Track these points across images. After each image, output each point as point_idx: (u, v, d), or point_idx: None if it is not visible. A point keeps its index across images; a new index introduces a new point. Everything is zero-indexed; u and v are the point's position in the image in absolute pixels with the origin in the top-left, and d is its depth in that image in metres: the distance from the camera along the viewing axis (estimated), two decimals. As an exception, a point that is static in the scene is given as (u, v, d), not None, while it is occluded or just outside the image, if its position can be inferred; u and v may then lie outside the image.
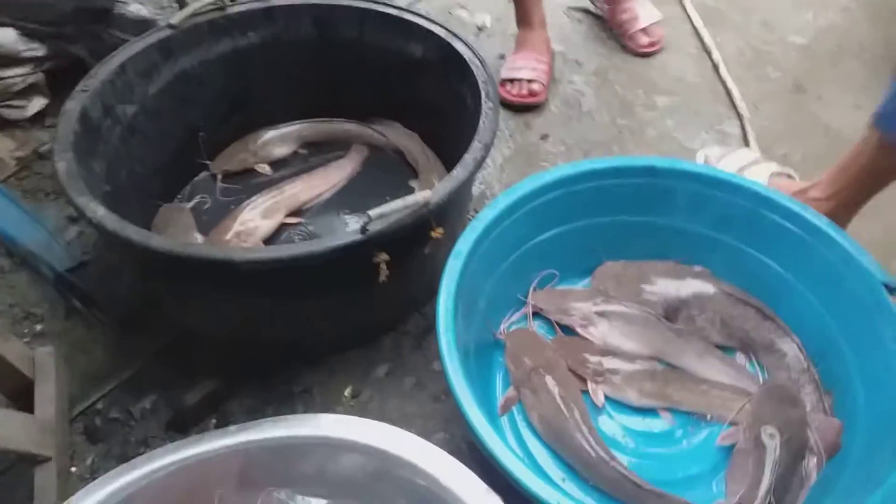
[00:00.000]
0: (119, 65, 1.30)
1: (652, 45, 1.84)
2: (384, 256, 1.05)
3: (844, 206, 1.29)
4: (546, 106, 1.73)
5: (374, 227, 1.00)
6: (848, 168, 1.26)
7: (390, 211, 1.01)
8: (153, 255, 0.99)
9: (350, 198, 1.50)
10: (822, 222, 1.14)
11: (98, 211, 1.04)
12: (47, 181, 1.54)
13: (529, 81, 1.72)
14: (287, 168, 1.57)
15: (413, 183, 1.52)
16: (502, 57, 1.83)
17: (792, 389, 1.13)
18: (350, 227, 1.41)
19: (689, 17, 1.96)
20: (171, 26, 1.36)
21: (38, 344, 1.22)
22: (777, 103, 1.73)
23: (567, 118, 1.71)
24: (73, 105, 1.21)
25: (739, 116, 1.68)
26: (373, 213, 1.00)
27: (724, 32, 1.91)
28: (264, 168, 1.55)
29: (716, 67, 1.81)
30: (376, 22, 1.43)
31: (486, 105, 1.22)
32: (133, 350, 1.25)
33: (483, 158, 1.15)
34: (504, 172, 1.59)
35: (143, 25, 1.81)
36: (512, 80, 1.73)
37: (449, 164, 1.48)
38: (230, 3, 1.41)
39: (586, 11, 1.98)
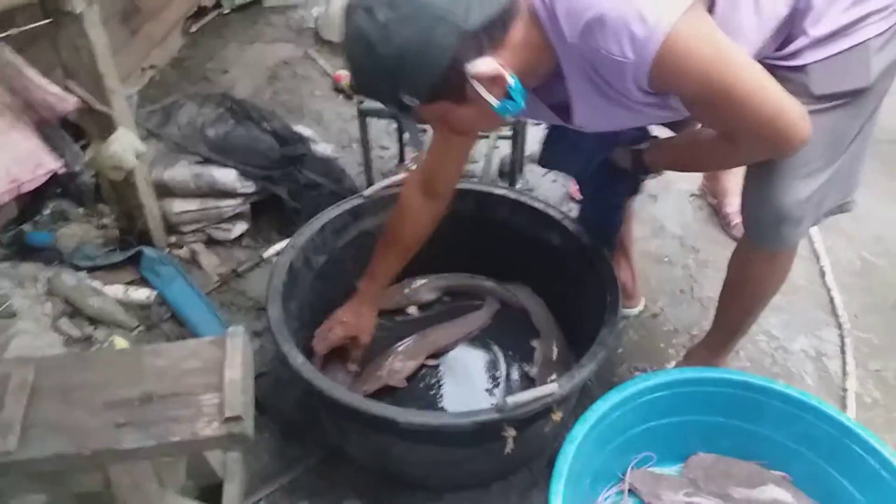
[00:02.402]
0: (321, 226, 1.64)
1: None
2: (512, 432, 1.29)
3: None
4: (662, 286, 1.96)
5: (509, 411, 1.25)
6: None
7: (524, 400, 1.25)
8: (336, 403, 1.28)
9: (480, 347, 1.76)
10: (899, 462, 1.30)
11: (298, 359, 1.34)
12: (240, 297, 1.89)
13: None
14: (431, 310, 1.87)
15: (534, 342, 1.76)
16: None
17: None
18: (484, 401, 1.62)
19: (803, 215, 2.14)
20: (362, 196, 1.69)
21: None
22: (877, 317, 1.87)
23: (679, 301, 1.93)
24: (283, 259, 1.55)
25: (839, 325, 1.84)
26: (510, 399, 1.25)
27: (836, 239, 2.08)
28: (413, 310, 1.84)
29: (822, 273, 1.98)
30: (525, 210, 1.72)
31: (610, 309, 1.46)
32: (292, 459, 1.54)
33: (604, 358, 1.38)
34: (618, 346, 1.81)
35: (326, 164, 2.20)
36: None
37: (566, 329, 1.73)
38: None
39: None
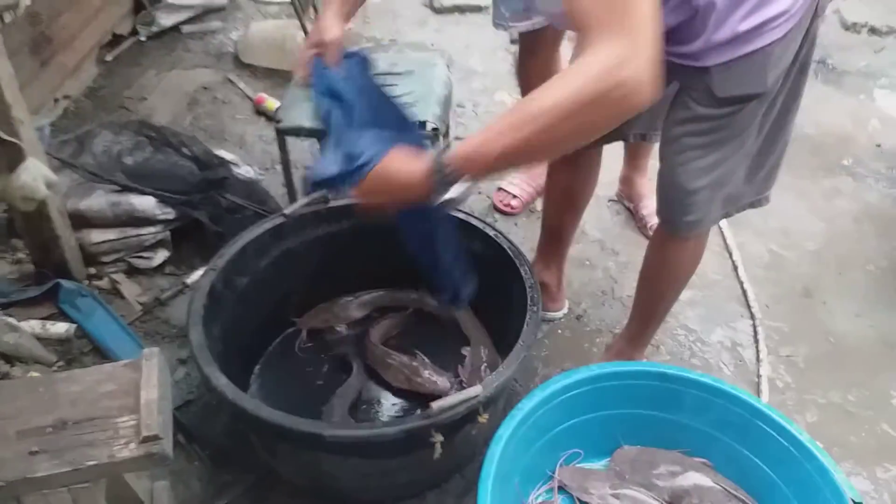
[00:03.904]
0: (242, 246, 1.63)
1: None
2: (440, 437, 1.31)
3: None
4: (584, 289, 2.02)
5: (435, 416, 1.27)
6: None
7: (449, 404, 1.28)
8: (261, 423, 1.27)
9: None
10: (805, 438, 1.37)
11: (221, 380, 1.33)
12: (164, 325, 1.86)
13: (513, 196, 2.28)
14: (360, 327, 1.87)
15: (464, 350, 1.79)
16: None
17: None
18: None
19: (715, 214, 2.25)
20: (283, 215, 1.70)
21: (147, 473, 1.49)
22: (786, 306, 1.98)
23: (601, 302, 1.99)
24: (204, 282, 1.54)
25: (752, 316, 1.93)
26: (435, 404, 1.27)
27: (746, 234, 2.19)
28: (342, 328, 1.85)
29: (735, 267, 2.08)
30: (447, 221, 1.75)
31: (531, 310, 1.50)
32: (223, 485, 1.52)
33: (526, 357, 1.42)
34: (544, 348, 1.86)
35: (249, 186, 2.18)
36: (501, 190, 2.30)
37: (494, 336, 1.77)
38: (332, 198, 1.75)
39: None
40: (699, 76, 1.27)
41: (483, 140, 0.99)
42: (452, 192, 1.01)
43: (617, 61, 0.89)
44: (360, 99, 1.44)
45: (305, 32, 2.26)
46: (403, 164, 1.06)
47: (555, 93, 0.93)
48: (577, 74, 0.92)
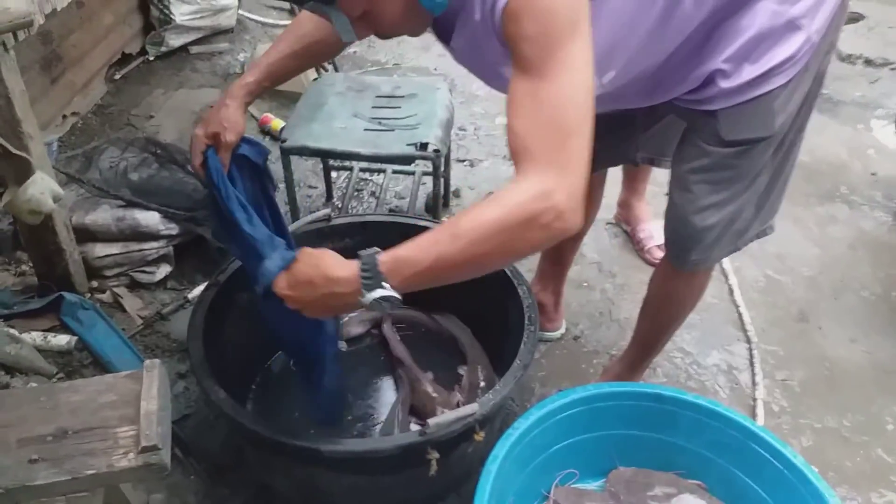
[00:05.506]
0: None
1: None
2: (435, 454, 1.32)
3: None
4: (582, 310, 2.04)
5: (431, 433, 1.28)
6: None
7: (446, 421, 1.29)
8: (258, 437, 1.28)
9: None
10: (800, 462, 1.38)
11: (220, 394, 1.34)
12: (164, 339, 1.88)
13: None
14: (361, 343, 1.89)
15: (461, 369, 1.80)
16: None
17: None
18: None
19: (712, 238, 2.27)
20: (286, 232, 1.72)
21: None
22: (782, 330, 1.99)
23: (598, 323, 2.01)
24: (206, 296, 1.56)
25: (748, 339, 1.95)
26: (432, 421, 1.28)
27: (743, 259, 2.20)
28: (342, 344, 1.86)
29: (731, 291, 2.10)
30: (446, 241, 1.77)
31: (528, 329, 1.52)
32: (219, 499, 1.52)
33: (523, 376, 1.43)
34: (541, 369, 1.87)
35: (252, 205, 2.21)
36: None
37: (490, 353, 1.78)
38: (335, 216, 1.78)
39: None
40: (706, 119, 1.28)
41: (415, 247, 1.00)
42: (378, 295, 1.00)
43: (544, 192, 0.94)
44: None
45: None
46: (335, 258, 1.07)
47: (486, 213, 0.97)
48: (507, 199, 0.96)
